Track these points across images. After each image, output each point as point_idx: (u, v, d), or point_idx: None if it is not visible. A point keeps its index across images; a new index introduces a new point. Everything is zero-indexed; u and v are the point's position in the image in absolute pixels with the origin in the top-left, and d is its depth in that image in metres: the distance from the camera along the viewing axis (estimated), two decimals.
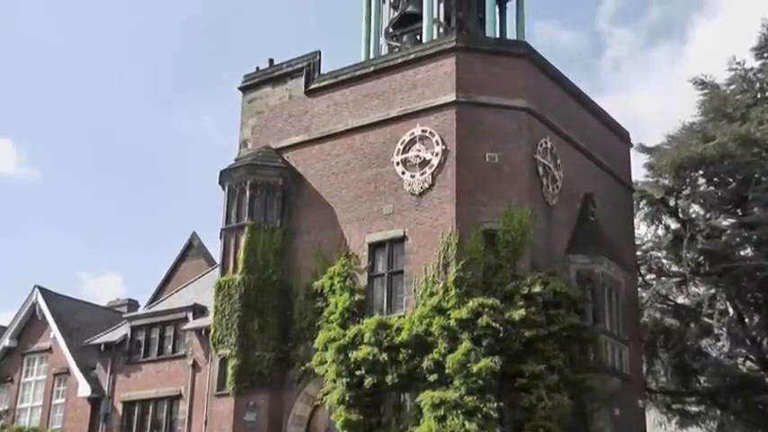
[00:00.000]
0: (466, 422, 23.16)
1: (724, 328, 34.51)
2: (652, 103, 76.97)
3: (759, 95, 35.26)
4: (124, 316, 35.16)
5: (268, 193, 28.89)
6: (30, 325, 36.08)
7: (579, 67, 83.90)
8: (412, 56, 28.11)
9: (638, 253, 34.63)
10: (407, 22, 32.25)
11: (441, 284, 25.23)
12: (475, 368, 23.55)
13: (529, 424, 23.78)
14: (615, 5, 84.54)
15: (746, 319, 34.41)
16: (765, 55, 35.35)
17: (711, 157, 32.90)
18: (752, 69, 35.45)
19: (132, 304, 41.37)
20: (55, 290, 36.84)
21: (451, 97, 26.80)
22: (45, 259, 78.82)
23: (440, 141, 26.58)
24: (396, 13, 32.61)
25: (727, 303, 34.25)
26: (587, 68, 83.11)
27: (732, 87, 35.70)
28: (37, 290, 36.11)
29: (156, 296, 40.25)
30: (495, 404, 23.46)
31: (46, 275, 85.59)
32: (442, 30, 31.30)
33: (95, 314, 37.42)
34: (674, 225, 35.88)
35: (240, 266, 28.05)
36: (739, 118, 33.95)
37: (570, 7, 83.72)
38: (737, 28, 68.30)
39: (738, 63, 35.39)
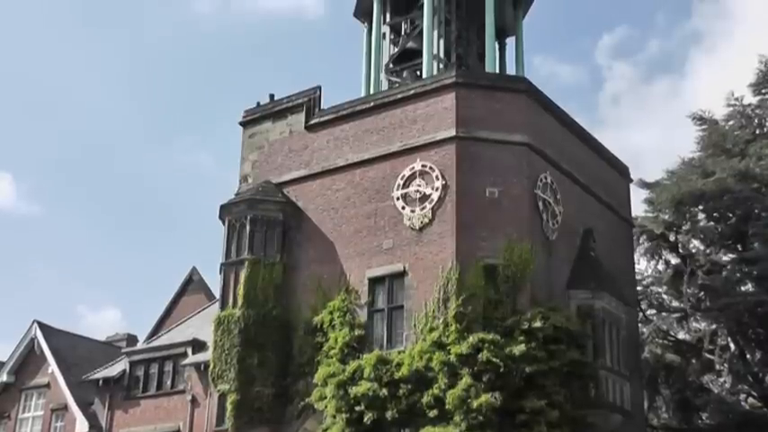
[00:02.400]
0: None
1: (725, 364, 34.35)
2: (651, 138, 77.26)
3: (757, 131, 35.48)
4: (123, 351, 34.96)
5: (268, 227, 28.89)
6: (28, 360, 35.94)
7: (578, 101, 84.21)
8: (412, 91, 28.24)
9: (639, 288, 34.60)
10: (407, 57, 32.55)
11: (441, 319, 25.15)
12: (475, 404, 23.42)
13: None
14: (614, 40, 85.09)
15: (748, 355, 34.29)
16: (763, 91, 35.59)
17: (711, 193, 33.01)
18: (750, 105, 35.70)
19: (131, 339, 41.11)
20: (53, 324, 36.77)
21: (451, 132, 26.89)
22: (43, 293, 78.76)
23: (440, 176, 26.63)
24: (396, 49, 32.90)
25: (729, 339, 34.15)
26: (586, 103, 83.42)
27: (731, 123, 35.92)
28: (36, 325, 35.98)
29: (155, 331, 40.04)
30: None
31: (44, 309, 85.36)
32: (441, 65, 31.52)
33: (94, 349, 37.27)
34: (674, 260, 35.90)
35: (240, 301, 27.99)
36: (738, 153, 34.12)
37: (569, 42, 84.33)
38: (736, 64, 68.76)
39: (737, 99, 35.68)
